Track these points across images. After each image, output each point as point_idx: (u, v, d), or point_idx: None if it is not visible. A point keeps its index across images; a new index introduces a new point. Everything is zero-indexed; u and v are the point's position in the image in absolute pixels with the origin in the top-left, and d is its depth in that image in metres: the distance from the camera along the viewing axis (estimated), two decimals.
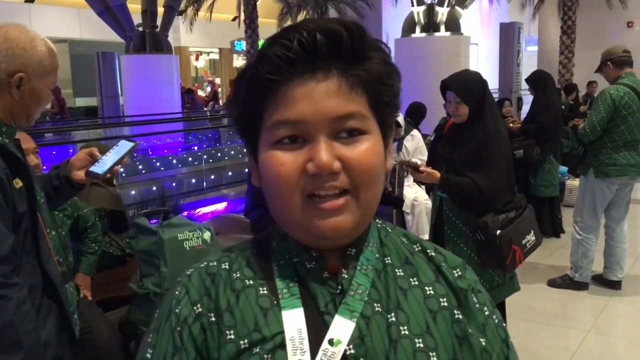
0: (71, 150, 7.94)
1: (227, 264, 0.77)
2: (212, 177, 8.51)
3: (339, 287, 0.73)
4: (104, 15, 11.65)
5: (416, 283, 0.77)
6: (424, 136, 6.38)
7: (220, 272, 0.75)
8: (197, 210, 6.64)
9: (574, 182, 6.82)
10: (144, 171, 8.08)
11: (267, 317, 0.71)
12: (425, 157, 5.29)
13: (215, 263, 0.77)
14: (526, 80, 6.07)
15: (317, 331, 0.70)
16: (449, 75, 2.93)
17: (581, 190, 4.67)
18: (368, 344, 0.70)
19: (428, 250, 0.82)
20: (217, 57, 25.86)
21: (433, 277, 0.79)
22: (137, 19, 11.83)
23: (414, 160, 3.83)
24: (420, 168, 2.94)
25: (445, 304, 0.76)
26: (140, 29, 11.69)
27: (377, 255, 0.77)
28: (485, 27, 20.91)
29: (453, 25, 9.45)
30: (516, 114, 9.22)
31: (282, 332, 0.70)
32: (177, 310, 0.73)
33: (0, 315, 1.46)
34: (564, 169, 6.57)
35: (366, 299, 0.73)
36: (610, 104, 4.30)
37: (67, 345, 1.73)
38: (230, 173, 8.89)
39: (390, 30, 14.07)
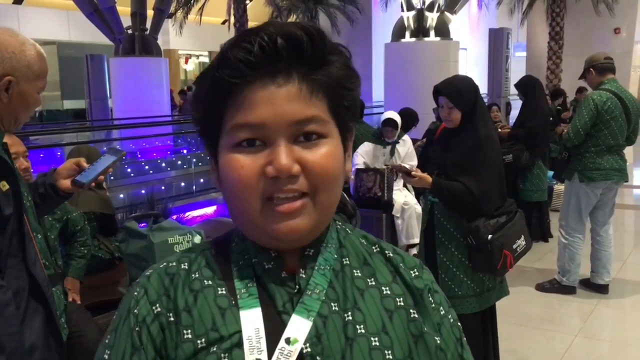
0: (59, 153, 7.88)
1: (186, 264, 0.77)
2: (202, 180, 8.48)
3: (297, 286, 0.74)
4: (93, 18, 11.59)
5: (373, 283, 0.79)
6: (414, 141, 6.40)
7: (179, 272, 0.76)
8: (187, 213, 6.61)
9: (561, 187, 6.88)
10: (132, 174, 8.04)
11: (225, 317, 0.72)
12: (415, 163, 5.31)
13: (174, 263, 0.78)
14: (515, 85, 6.11)
15: (274, 330, 0.71)
16: (441, 81, 2.95)
17: (566, 195, 4.72)
18: (325, 342, 0.71)
19: (386, 251, 0.83)
20: (206, 60, 25.82)
21: (390, 278, 0.80)
22: (126, 21, 11.78)
23: (405, 164, 3.84)
24: (412, 172, 2.95)
25: (402, 303, 0.78)
26: (130, 31, 11.63)
27: (336, 256, 0.78)
28: (474, 32, 21.05)
29: (442, 30, 9.51)
30: (505, 118, 9.28)
31: (240, 331, 0.70)
32: (135, 311, 0.73)
33: None
34: (551, 173, 6.62)
35: (323, 298, 0.74)
36: (593, 109, 4.36)
37: (55, 349, 1.72)
38: None
39: (380, 35, 14.12)
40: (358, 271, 0.79)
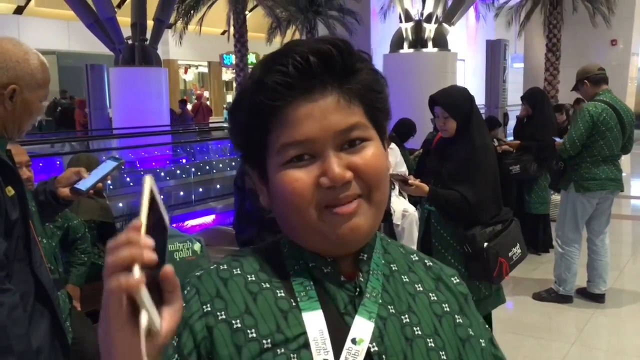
0: (58, 162, 7.91)
1: (238, 268, 0.79)
2: (200, 189, 8.51)
3: (357, 289, 0.77)
4: (94, 28, 11.64)
5: (421, 289, 0.83)
6: (412, 151, 6.45)
7: (233, 276, 0.77)
8: (186, 222, 6.64)
9: (558, 197, 6.92)
10: (132, 184, 8.06)
11: (288, 319, 0.74)
12: (404, 169, 5.36)
13: (226, 267, 0.79)
14: (522, 97, 6.12)
15: (337, 331, 0.74)
16: (437, 91, 3.00)
17: (562, 205, 4.76)
18: (387, 342, 0.75)
19: (425, 261, 0.88)
20: (205, 70, 25.93)
21: (433, 285, 0.85)
22: (126, 32, 11.85)
23: (397, 172, 3.88)
24: (409, 181, 2.99)
25: (448, 309, 0.83)
26: (130, 41, 11.70)
27: (383, 262, 0.82)
28: (472, 43, 21.19)
29: (440, 41, 9.59)
30: (502, 129, 9.32)
31: (305, 333, 0.73)
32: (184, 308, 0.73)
33: None
34: None
35: (380, 301, 0.78)
36: (588, 120, 4.41)
37: (61, 352, 1.74)
38: (218, 186, 8.89)
39: (379, 46, 14.22)
40: (405, 277, 0.83)
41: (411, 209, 5.43)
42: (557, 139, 4.83)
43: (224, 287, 0.76)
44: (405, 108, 7.80)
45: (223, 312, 0.74)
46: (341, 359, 0.72)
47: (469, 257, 2.87)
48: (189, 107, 19.48)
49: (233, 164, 10.25)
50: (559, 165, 4.79)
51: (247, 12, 15.16)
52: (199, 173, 9.64)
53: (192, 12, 14.82)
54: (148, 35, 11.97)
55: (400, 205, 5.44)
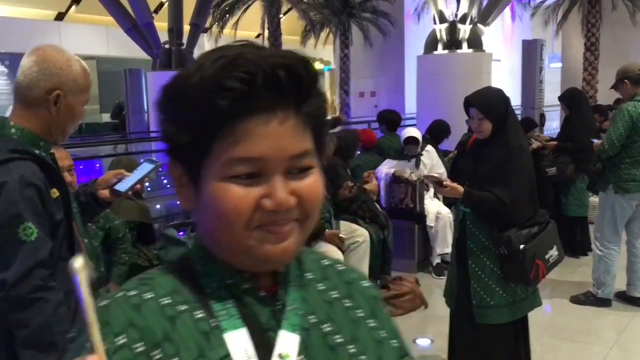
0: (98, 165, 8.10)
1: (150, 292, 0.72)
2: None
3: (278, 303, 0.75)
4: (132, 33, 11.89)
5: (337, 296, 0.82)
6: (446, 152, 6.42)
7: (146, 301, 0.71)
8: None
9: (596, 199, 6.79)
10: (168, 186, 8.20)
11: (210, 341, 0.70)
12: (442, 171, 5.34)
13: (135, 292, 0.72)
14: (560, 98, 6.05)
15: (263, 348, 0.72)
16: (472, 92, 3.00)
17: (601, 207, 4.68)
18: (312, 354, 0.74)
19: (336, 265, 0.87)
20: None
21: (345, 291, 0.84)
22: (163, 36, 12.07)
23: (434, 174, 3.89)
24: (444, 183, 2.99)
25: (362, 314, 0.83)
26: (167, 46, 11.91)
27: (298, 272, 0.81)
28: (507, 44, 20.91)
29: (475, 42, 9.50)
30: (539, 130, 9.18)
31: (228, 354, 0.70)
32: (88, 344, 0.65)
33: (39, 316, 1.56)
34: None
35: (301, 312, 0.76)
36: (628, 120, 4.34)
37: None
38: None
39: (413, 47, 14.16)
40: (321, 285, 0.82)
41: (445, 211, 5.41)
42: (595, 141, 4.76)
43: (136, 314, 0.70)
44: (440, 110, 7.77)
45: (140, 343, 0.68)
46: None
47: (504, 259, 2.86)
48: None
49: None
50: (597, 167, 4.71)
51: (281, 15, 15.29)
52: None
53: (227, 16, 15.03)
54: (184, 39, 12.18)
55: (433, 207, 5.43)
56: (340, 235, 4.19)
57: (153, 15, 12.82)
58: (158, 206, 7.05)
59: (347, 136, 5.17)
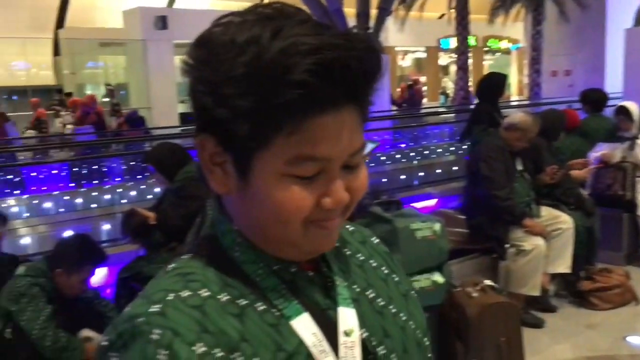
0: None
1: (204, 290, 0.67)
2: (422, 174, 8.61)
3: (329, 280, 0.73)
4: (322, 19, 12.38)
5: (363, 258, 0.82)
6: None
7: (205, 301, 0.66)
8: (410, 205, 6.78)
9: None
10: (372, 164, 8.40)
11: (281, 332, 0.67)
12: None
13: (189, 293, 0.66)
14: None
15: (327, 329, 0.70)
16: None
17: None
18: (368, 323, 0.74)
19: (347, 226, 0.85)
20: (422, 55, 25.98)
21: (366, 251, 0.83)
22: (350, 21, 12.39)
23: None
24: None
25: (387, 272, 0.83)
26: (355, 31, 12.22)
27: None
28: None
29: None
30: None
31: (302, 342, 0.68)
32: (161, 357, 0.60)
33: None
34: None
35: (345, 284, 0.75)
36: None
37: None
38: (439, 170, 8.91)
39: (618, 20, 12.87)
40: (347, 250, 0.80)
41: None
42: None
43: (204, 317, 0.64)
44: None
45: (217, 349, 0.63)
46: (340, 355, 0.69)
47: None
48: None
49: (451, 148, 10.18)
50: None
51: None
52: (418, 157, 9.75)
53: None
54: (371, 23, 12.38)
55: None
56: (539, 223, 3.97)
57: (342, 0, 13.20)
58: None
59: (553, 116, 4.87)
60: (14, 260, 3.41)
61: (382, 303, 0.78)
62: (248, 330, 0.66)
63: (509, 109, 8.90)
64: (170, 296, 0.65)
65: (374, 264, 0.82)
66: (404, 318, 0.79)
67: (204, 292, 0.66)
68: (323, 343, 0.69)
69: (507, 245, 3.92)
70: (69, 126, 11.27)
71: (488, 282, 3.11)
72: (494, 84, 5.32)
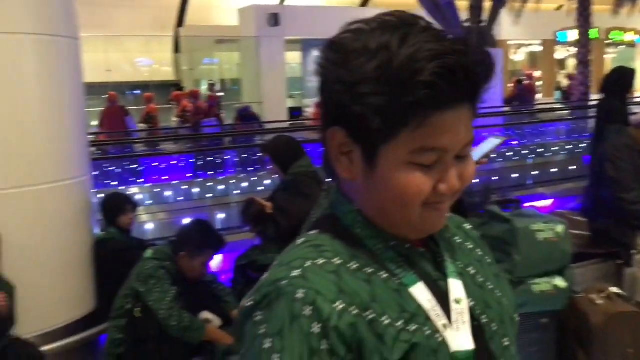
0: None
1: (337, 258, 0.78)
2: (537, 173, 8.26)
3: (439, 256, 0.84)
4: (433, 12, 12.17)
5: (461, 241, 0.92)
6: None
7: (339, 267, 0.77)
8: (525, 204, 6.53)
9: None
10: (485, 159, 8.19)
11: (403, 297, 0.77)
12: None
13: (324, 260, 0.77)
14: None
15: (439, 297, 0.80)
16: None
17: None
18: (472, 295, 0.84)
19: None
20: (536, 49, 24.82)
21: (462, 234, 0.93)
22: (462, 15, 12.08)
23: None
24: None
25: (481, 254, 0.93)
26: (467, 24, 11.90)
27: None
28: None
29: None
30: None
31: (421, 305, 0.78)
32: (307, 312, 0.71)
33: None
34: None
35: (450, 260, 0.85)
36: None
37: None
38: (555, 170, 8.50)
39: None
40: (447, 233, 0.89)
41: None
42: None
43: (340, 281, 0.75)
44: None
45: (354, 307, 0.74)
46: (453, 320, 0.79)
47: None
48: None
49: (568, 147, 9.68)
50: None
51: None
52: (532, 156, 9.36)
53: None
54: (484, 17, 12.01)
55: None
56: None
57: None
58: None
59: None
60: (142, 244, 3.66)
61: (481, 279, 0.88)
62: (376, 293, 0.76)
63: (635, 106, 8.31)
64: (308, 263, 0.76)
65: (470, 246, 0.93)
66: (499, 294, 0.88)
67: (337, 260, 0.78)
68: (437, 308, 0.79)
69: (633, 251, 3.67)
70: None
71: (615, 289, 2.93)
72: (623, 78, 5.00)
